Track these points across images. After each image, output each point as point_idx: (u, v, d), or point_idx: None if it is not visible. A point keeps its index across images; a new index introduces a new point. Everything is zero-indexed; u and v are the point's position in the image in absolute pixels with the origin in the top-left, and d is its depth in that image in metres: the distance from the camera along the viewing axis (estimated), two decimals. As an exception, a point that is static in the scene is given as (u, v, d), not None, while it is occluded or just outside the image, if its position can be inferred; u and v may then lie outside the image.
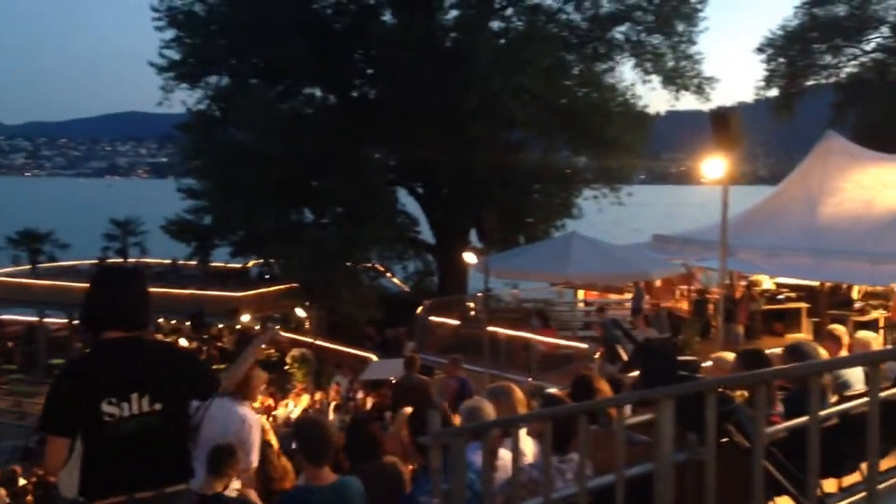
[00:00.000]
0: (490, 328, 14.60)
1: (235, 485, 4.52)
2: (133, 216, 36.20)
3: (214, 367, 21.70)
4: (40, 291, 27.01)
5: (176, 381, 3.15)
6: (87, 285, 3.26)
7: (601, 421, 4.26)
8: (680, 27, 24.82)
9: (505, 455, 3.90)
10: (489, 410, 3.88)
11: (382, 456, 4.75)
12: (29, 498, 11.66)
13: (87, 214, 64.51)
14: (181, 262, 31.63)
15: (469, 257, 16.77)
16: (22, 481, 12.21)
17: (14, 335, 28.84)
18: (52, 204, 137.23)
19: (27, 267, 28.87)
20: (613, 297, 20.08)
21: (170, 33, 24.98)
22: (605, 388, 4.98)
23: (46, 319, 27.94)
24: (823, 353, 5.18)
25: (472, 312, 20.25)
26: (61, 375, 3.16)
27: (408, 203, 26.99)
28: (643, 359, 9.04)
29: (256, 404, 14.44)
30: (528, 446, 4.11)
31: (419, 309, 20.43)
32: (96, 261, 31.07)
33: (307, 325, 25.23)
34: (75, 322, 29.49)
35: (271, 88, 23.99)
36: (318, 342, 21.48)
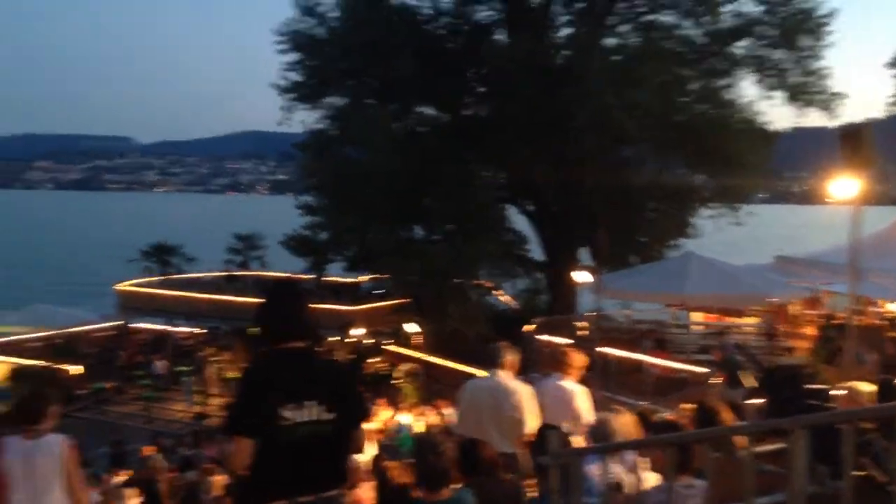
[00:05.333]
0: (601, 349, 14.34)
1: None
2: (254, 231, 37.79)
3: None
4: (168, 301, 28.51)
5: (343, 396, 3.32)
6: (266, 299, 3.50)
7: (724, 448, 4.12)
8: (805, 42, 23.74)
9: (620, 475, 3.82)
10: (616, 426, 3.82)
11: (497, 473, 4.74)
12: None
13: (211, 229, 67.68)
14: (298, 276, 32.74)
15: (581, 276, 16.57)
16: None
17: (144, 343, 30.57)
18: (180, 219, 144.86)
19: (157, 278, 30.53)
20: (732, 320, 19.32)
21: (292, 56, 26.04)
22: (727, 415, 4.82)
23: (174, 328, 29.45)
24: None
25: (582, 332, 19.95)
26: (243, 381, 3.34)
27: (518, 221, 26.94)
28: (772, 386, 8.64)
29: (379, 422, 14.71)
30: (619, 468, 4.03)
31: (529, 327, 20.32)
32: (221, 273, 32.60)
33: (418, 340, 25.54)
34: (200, 331, 31.01)
35: (385, 108, 24.55)
36: (427, 357, 21.69)
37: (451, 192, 22.10)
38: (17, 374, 25.72)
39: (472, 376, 20.88)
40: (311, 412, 3.19)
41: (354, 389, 3.50)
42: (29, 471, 4.50)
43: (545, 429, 4.04)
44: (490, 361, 5.80)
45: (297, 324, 3.39)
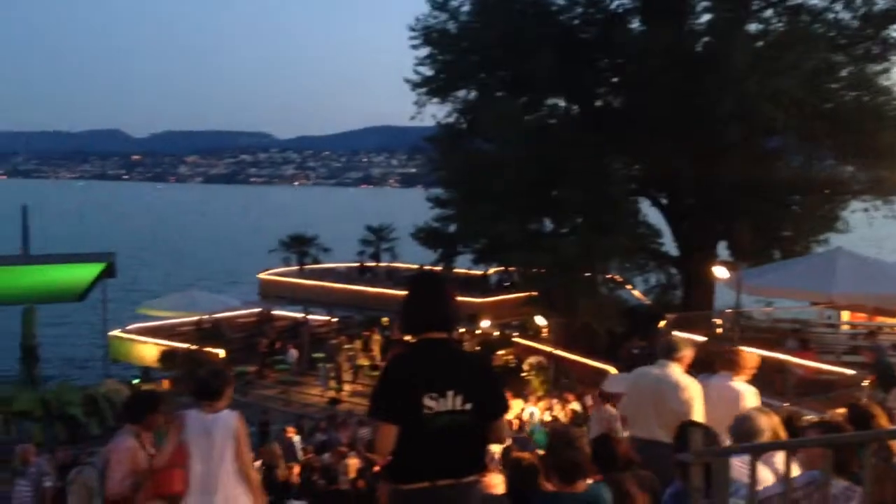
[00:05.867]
0: (740, 347, 13.75)
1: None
2: (385, 224, 38.76)
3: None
4: (305, 290, 29.70)
5: (483, 388, 3.40)
6: (408, 290, 3.60)
7: (880, 453, 3.88)
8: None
9: (766, 477, 3.66)
10: (761, 424, 3.67)
11: (634, 468, 4.65)
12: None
13: (345, 221, 69.90)
14: (427, 267, 33.28)
15: (719, 271, 15.96)
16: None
17: (282, 329, 32.02)
18: (316, 211, 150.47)
19: (295, 268, 31.86)
20: (883, 319, 18.07)
21: (424, 51, 26.42)
22: (883, 419, 4.54)
23: (310, 316, 30.67)
24: None
25: (720, 329, 19.22)
26: (388, 369, 3.47)
27: (651, 214, 26.23)
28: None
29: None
30: (766, 472, 3.85)
31: (661, 323, 19.80)
32: (354, 264, 33.64)
33: (545, 333, 25.41)
34: (334, 320, 32.14)
35: (516, 100, 24.49)
36: (555, 351, 21.55)
37: (583, 184, 21.78)
38: (169, 356, 27.59)
39: (601, 371, 20.70)
40: (450, 402, 3.29)
41: (493, 381, 3.55)
42: (207, 444, 4.82)
43: (688, 424, 3.92)
44: (664, 352, 5.84)
45: (438, 315, 3.46)
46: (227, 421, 4.86)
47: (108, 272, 29.44)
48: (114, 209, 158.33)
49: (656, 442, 5.42)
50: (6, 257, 30.49)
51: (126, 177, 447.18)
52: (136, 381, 26.72)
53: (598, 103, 26.09)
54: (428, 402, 3.27)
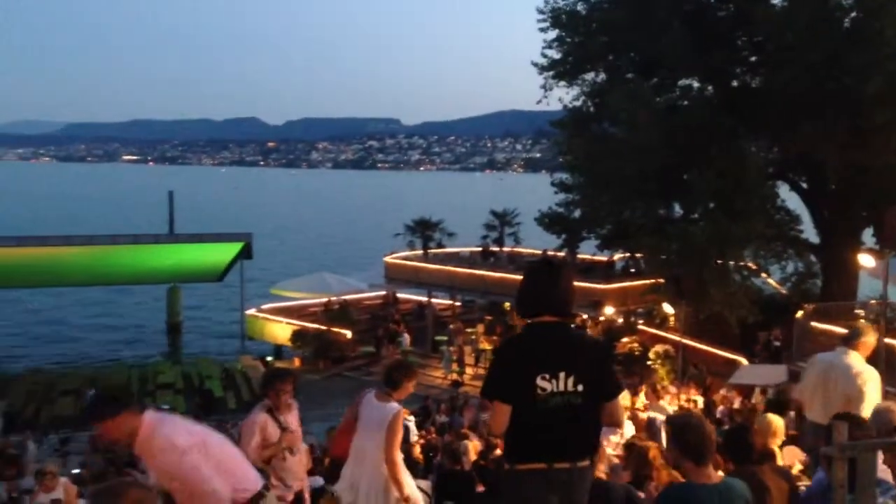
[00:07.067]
0: (889, 340, 12.88)
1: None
2: (509, 209, 38.69)
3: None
4: (430, 274, 30.09)
5: (595, 369, 3.46)
6: (524, 276, 3.71)
7: None
8: None
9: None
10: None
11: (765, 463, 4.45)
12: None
13: (469, 206, 70.37)
14: (551, 252, 32.96)
15: (865, 260, 14.97)
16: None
17: (407, 312, 32.63)
18: (441, 195, 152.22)
19: (420, 252, 32.25)
20: None
21: (552, 34, 26.04)
22: None
23: (434, 300, 31.10)
24: None
25: (862, 321, 18.04)
26: (502, 350, 3.64)
27: (789, 199, 24.87)
28: None
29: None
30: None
31: (799, 313, 18.84)
32: (477, 248, 33.80)
33: (672, 321, 24.68)
34: (457, 304, 32.44)
35: (647, 81, 23.77)
36: (684, 340, 20.89)
37: (717, 167, 20.91)
38: (300, 335, 28.75)
39: (733, 362, 19.91)
40: (563, 383, 3.34)
41: (606, 364, 3.58)
42: (368, 425, 5.33)
43: (835, 417, 3.69)
44: (846, 338, 5.86)
45: (552, 300, 3.51)
46: (388, 412, 5.29)
47: (245, 253, 31.04)
48: (251, 194, 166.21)
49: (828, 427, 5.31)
50: (153, 236, 32.72)
51: (262, 163, 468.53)
52: (269, 358, 27.99)
53: (735, 84, 24.93)
54: (540, 382, 3.33)
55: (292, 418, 5.69)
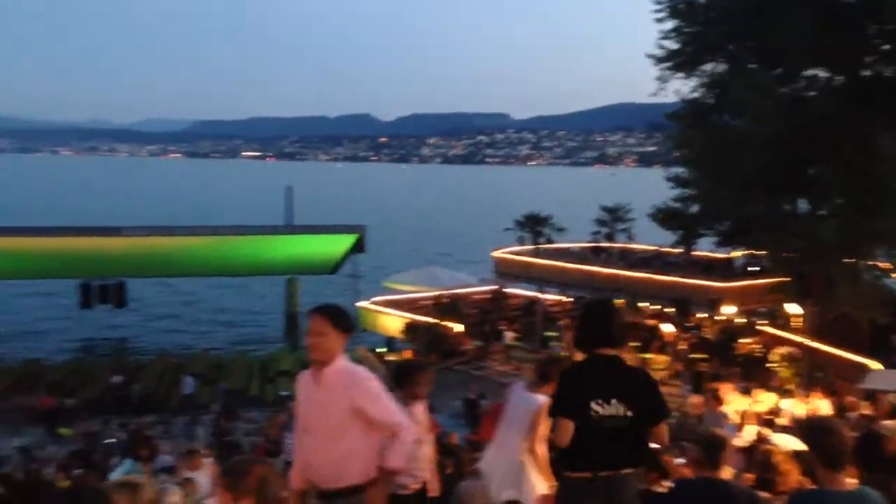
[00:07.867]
0: None
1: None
2: (621, 204, 37.98)
3: (692, 356, 21.66)
4: (539, 269, 29.96)
5: (645, 398, 4.03)
6: (581, 314, 4.37)
7: None
8: None
9: None
10: None
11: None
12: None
13: (579, 201, 69.50)
14: (665, 249, 32.16)
15: None
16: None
17: (517, 307, 32.59)
18: (551, 191, 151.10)
19: (530, 247, 32.22)
20: None
21: (669, 24, 25.35)
22: None
23: (543, 295, 30.94)
24: None
25: None
26: (563, 377, 4.18)
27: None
28: None
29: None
30: None
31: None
32: (588, 244, 33.41)
33: (798, 322, 23.59)
34: (567, 300, 32.17)
35: (770, 72, 22.78)
36: (810, 342, 19.92)
37: (847, 161, 19.82)
38: (412, 328, 29.20)
39: (861, 366, 18.85)
40: (614, 409, 3.92)
41: (653, 393, 4.10)
42: (514, 413, 5.68)
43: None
44: None
45: (608, 335, 4.08)
46: (534, 402, 5.53)
47: (359, 247, 31.85)
48: (364, 189, 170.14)
49: None
50: (272, 227, 34.12)
51: (374, 158, 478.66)
52: (381, 350, 28.58)
53: (866, 73, 23.52)
54: (595, 406, 3.91)
55: (420, 410, 5.77)
